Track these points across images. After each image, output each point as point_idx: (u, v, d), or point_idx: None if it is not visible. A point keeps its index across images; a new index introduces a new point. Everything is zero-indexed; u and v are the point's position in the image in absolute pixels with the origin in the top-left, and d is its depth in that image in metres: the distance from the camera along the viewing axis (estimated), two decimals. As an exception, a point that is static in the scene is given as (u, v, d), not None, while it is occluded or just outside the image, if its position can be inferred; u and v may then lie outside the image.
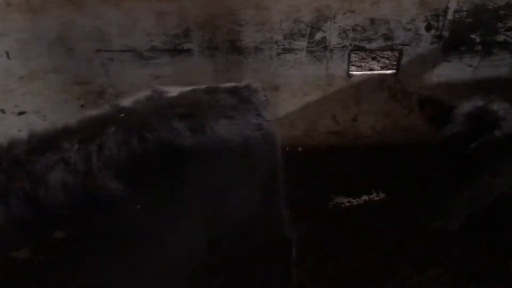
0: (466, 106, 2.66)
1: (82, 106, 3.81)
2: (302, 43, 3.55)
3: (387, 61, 5.26)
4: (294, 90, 3.82)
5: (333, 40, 3.55)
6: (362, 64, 5.24)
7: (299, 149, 4.18)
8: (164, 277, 2.40)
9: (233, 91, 2.57)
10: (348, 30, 3.51)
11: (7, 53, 3.42)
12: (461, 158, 2.51)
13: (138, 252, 2.20)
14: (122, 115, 2.29)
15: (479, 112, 2.59)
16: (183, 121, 2.27)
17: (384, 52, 5.28)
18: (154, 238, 2.21)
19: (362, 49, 3.71)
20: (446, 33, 3.52)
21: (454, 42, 3.60)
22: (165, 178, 2.19)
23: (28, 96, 3.68)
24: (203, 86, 2.57)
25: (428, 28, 3.51)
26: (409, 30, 3.51)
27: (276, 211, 2.79)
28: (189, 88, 2.52)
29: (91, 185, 2.00)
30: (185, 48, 3.56)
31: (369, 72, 3.98)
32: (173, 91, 2.50)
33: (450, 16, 3.45)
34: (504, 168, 2.53)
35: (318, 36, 3.52)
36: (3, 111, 3.70)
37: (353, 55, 4.71)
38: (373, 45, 3.61)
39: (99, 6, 3.30)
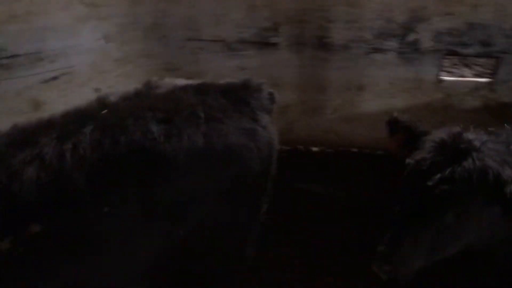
0: None
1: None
2: (393, 44, 3.45)
3: (480, 69, 4.97)
4: (379, 91, 3.72)
5: (426, 42, 3.41)
6: (453, 70, 5.00)
7: (378, 152, 4.08)
8: (121, 276, 2.22)
9: (227, 90, 2.31)
10: (443, 33, 3.36)
11: (106, 36, 3.62)
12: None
13: (98, 251, 2.07)
14: (105, 111, 2.17)
15: None
16: (161, 125, 2.09)
17: (479, 59, 5.00)
18: (116, 239, 2.08)
19: (456, 54, 3.54)
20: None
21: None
22: (135, 182, 2.04)
23: (121, 78, 3.87)
24: (195, 83, 2.36)
25: (534, 36, 3.28)
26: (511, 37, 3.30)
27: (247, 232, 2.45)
28: (183, 83, 2.34)
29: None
30: (273, 42, 3.58)
31: (462, 79, 3.80)
32: (164, 86, 2.32)
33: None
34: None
35: (411, 37, 3.40)
36: (98, 90, 3.93)
37: (444, 60, 4.51)
38: (469, 50, 3.43)
39: (195, -5, 3.41)
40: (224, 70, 3.70)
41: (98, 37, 3.58)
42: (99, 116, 2.07)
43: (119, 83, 3.90)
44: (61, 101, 3.59)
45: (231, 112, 2.21)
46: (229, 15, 3.50)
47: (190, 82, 2.35)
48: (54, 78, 3.54)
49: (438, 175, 1.90)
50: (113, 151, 1.99)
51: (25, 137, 2.02)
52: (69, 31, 3.45)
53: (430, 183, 1.90)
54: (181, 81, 2.37)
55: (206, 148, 2.09)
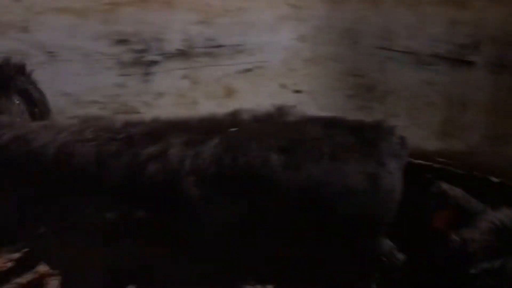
0: None
1: (349, 96, 4.03)
2: None
3: None
4: None
5: None
6: None
7: None
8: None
9: (357, 128, 2.12)
10: None
11: (301, 36, 3.83)
12: None
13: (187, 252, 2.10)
14: (234, 129, 2.13)
15: None
16: (281, 155, 2.00)
17: None
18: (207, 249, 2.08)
19: None
20: None
21: None
22: (245, 204, 1.99)
23: (307, 77, 4.06)
24: (325, 116, 2.20)
25: None
26: None
27: None
28: (313, 115, 2.20)
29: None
30: (469, 60, 3.39)
31: None
32: (294, 114, 2.19)
33: None
34: None
35: None
36: (283, 87, 4.19)
37: None
38: None
39: (394, 6, 3.40)
40: (410, 82, 3.63)
41: (294, 36, 3.80)
42: (228, 133, 2.10)
43: (304, 82, 4.10)
44: (250, 91, 3.92)
45: (357, 152, 2.07)
46: (425, 28, 3.41)
47: (320, 114, 2.27)
48: (248, 70, 3.87)
49: (486, 264, 1.57)
50: (230, 170, 2.01)
51: (159, 132, 2.11)
52: (270, 28, 3.74)
53: (473, 271, 1.58)
54: (312, 112, 2.28)
55: (322, 185, 2.01)
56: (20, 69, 2.64)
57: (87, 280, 2.25)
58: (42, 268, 3.10)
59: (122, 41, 3.52)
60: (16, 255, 3.13)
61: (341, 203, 2.02)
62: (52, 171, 2.06)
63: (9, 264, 3.10)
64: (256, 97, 3.94)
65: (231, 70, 3.81)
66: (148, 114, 3.66)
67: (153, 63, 3.60)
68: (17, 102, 2.59)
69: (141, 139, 2.08)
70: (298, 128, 2.13)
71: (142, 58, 3.56)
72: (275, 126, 2.15)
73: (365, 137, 2.09)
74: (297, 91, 4.16)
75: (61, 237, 2.12)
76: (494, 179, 3.64)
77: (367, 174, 2.03)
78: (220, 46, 3.71)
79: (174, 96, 3.72)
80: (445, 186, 1.97)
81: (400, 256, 2.26)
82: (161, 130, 2.13)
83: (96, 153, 2.04)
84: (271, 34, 3.75)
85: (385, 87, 3.82)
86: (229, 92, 3.88)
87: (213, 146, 2.04)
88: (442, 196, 1.94)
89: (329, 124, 2.15)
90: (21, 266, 3.06)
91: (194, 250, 2.10)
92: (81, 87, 3.52)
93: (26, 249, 2.95)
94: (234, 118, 2.20)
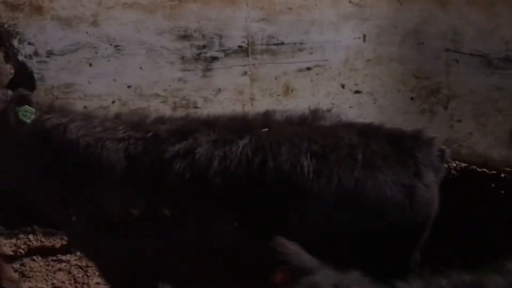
0: None
1: (412, 98, 3.90)
2: None
3: None
4: None
5: None
6: None
7: None
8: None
9: (394, 137, 2.02)
10: None
11: (364, 36, 3.75)
12: None
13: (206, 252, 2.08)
14: (265, 129, 2.08)
15: None
16: (313, 160, 1.93)
17: None
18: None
19: None
20: None
21: None
22: (271, 210, 1.94)
23: (368, 78, 3.97)
24: (362, 123, 2.13)
25: None
26: None
27: None
28: (349, 120, 2.13)
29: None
30: (544, 65, 3.19)
31: None
32: (329, 119, 2.12)
33: None
34: None
35: None
36: (343, 86, 4.12)
37: None
38: None
39: (464, 6, 3.26)
40: (478, 86, 3.47)
41: (357, 36, 3.73)
42: (258, 133, 2.07)
43: (365, 83, 4.01)
44: (309, 90, 3.89)
45: (393, 162, 1.97)
46: (498, 31, 3.24)
47: (356, 121, 2.20)
48: (308, 68, 3.84)
49: None
50: (259, 173, 1.97)
51: (187, 130, 2.11)
52: (332, 27, 3.69)
53: None
54: (348, 118, 2.23)
55: (355, 194, 1.93)
56: None
57: (113, 269, 2.33)
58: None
59: (185, 37, 3.60)
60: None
61: (374, 214, 1.94)
62: (82, 163, 2.13)
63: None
64: (314, 96, 3.91)
65: (290, 68, 3.79)
66: (206, 109, 3.74)
67: (214, 59, 3.65)
68: None
69: (169, 136, 2.09)
70: (332, 133, 2.07)
71: (204, 54, 3.62)
72: (309, 129, 2.09)
73: (403, 147, 2.00)
74: (357, 92, 4.08)
75: (89, 227, 2.17)
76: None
77: (403, 185, 1.94)
78: (281, 43, 3.70)
79: (232, 92, 3.76)
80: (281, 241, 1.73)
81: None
82: (190, 128, 2.13)
83: (125, 151, 2.09)
84: (333, 33, 3.70)
85: (450, 90, 3.67)
86: (288, 90, 3.87)
87: (242, 146, 2.01)
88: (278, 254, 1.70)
89: (365, 131, 2.07)
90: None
91: (212, 251, 2.07)
92: (144, 80, 3.63)
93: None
94: (266, 118, 2.18)
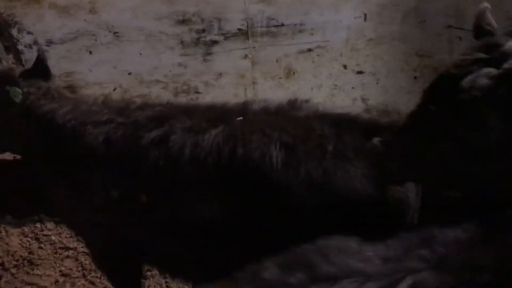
0: None
1: (415, 78, 3.86)
2: None
3: None
4: None
5: None
6: None
7: None
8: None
9: (370, 129, 1.91)
10: None
11: (365, 15, 3.70)
12: None
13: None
14: (239, 118, 2.06)
15: None
16: (282, 151, 1.90)
17: None
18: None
19: None
20: None
21: None
22: (236, 198, 1.94)
23: (371, 58, 3.93)
24: (338, 113, 2.05)
25: None
26: None
27: None
28: (326, 111, 2.07)
29: None
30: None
31: None
32: (305, 109, 2.07)
33: None
34: None
35: None
36: (345, 67, 4.09)
37: None
38: None
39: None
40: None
41: (358, 15, 3.68)
42: (232, 122, 2.07)
43: (367, 63, 3.98)
44: (310, 72, 3.86)
45: (365, 153, 1.88)
46: (502, 5, 3.17)
47: (334, 111, 2.12)
48: (309, 50, 3.81)
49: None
50: (228, 161, 1.96)
51: (164, 117, 2.13)
52: (332, 7, 3.64)
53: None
54: (326, 109, 2.15)
55: (324, 186, 1.86)
56: None
57: (98, 249, 2.44)
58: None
59: (184, 21, 3.57)
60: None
61: (343, 207, 1.85)
62: (68, 145, 2.23)
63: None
64: (316, 78, 3.88)
65: (291, 50, 3.76)
66: (208, 94, 3.72)
67: (214, 43, 3.62)
68: None
69: (147, 123, 2.12)
70: (305, 124, 2.02)
71: (203, 38, 3.60)
72: (282, 119, 2.06)
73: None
74: (359, 72, 4.05)
75: (75, 208, 2.28)
76: None
77: (374, 179, 1.84)
78: (281, 25, 3.67)
79: (233, 76, 3.74)
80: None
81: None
82: (168, 115, 2.14)
83: (105, 135, 2.14)
84: (333, 13, 3.66)
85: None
86: (289, 73, 3.85)
87: (214, 135, 2.00)
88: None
89: (340, 122, 2.01)
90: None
91: (186, 236, 2.08)
92: (144, 66, 3.62)
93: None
94: (243, 108, 2.17)
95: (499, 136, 1.42)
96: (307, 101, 2.16)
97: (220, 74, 3.73)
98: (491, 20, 1.73)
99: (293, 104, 2.14)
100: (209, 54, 3.65)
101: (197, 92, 3.75)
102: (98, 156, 2.14)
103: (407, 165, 1.60)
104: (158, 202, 2.07)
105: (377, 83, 4.00)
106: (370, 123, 2.02)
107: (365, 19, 3.71)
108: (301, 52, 3.78)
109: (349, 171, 1.87)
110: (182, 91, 3.69)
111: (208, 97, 3.68)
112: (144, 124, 2.12)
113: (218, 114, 2.13)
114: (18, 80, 2.39)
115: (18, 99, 2.34)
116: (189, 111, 2.17)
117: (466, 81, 1.44)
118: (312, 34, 3.72)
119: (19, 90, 2.35)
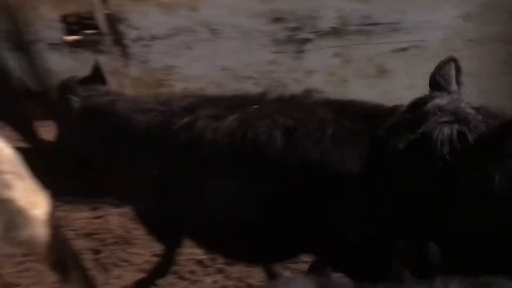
0: None
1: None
2: None
3: None
4: None
5: None
6: None
7: None
8: None
9: (370, 115, 2.04)
10: None
11: (465, 15, 3.55)
12: None
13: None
14: (256, 106, 2.27)
15: None
16: (284, 135, 2.10)
17: None
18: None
19: None
20: None
21: None
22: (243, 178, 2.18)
23: (468, 59, 3.74)
24: (343, 100, 2.21)
25: None
26: None
27: None
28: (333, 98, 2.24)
29: None
30: None
31: None
32: (314, 96, 2.27)
33: None
34: None
35: None
36: (441, 68, 3.94)
37: None
38: None
39: None
40: None
41: (457, 14, 3.54)
42: (248, 109, 2.29)
43: (466, 64, 3.77)
44: (404, 71, 3.77)
45: (363, 138, 1.98)
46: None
47: (340, 99, 2.26)
48: (404, 49, 3.72)
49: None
50: (239, 144, 2.19)
51: (194, 107, 2.41)
52: (430, 6, 3.53)
53: None
54: (333, 98, 2.30)
55: (320, 166, 2.04)
56: None
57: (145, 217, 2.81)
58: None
59: (278, 19, 3.65)
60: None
61: (339, 189, 1.95)
62: (122, 130, 2.57)
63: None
64: (409, 78, 3.78)
65: (385, 49, 3.70)
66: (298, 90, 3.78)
67: (306, 40, 3.67)
68: None
69: (180, 111, 2.42)
70: (309, 109, 2.20)
71: (296, 36, 3.65)
72: (292, 106, 2.26)
73: (375, 124, 1.94)
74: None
75: (129, 184, 2.62)
76: None
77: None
78: (375, 24, 3.62)
79: (324, 74, 3.76)
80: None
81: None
82: (197, 105, 2.42)
83: (147, 121, 2.48)
84: (431, 12, 3.54)
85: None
86: (382, 72, 3.79)
87: (230, 121, 2.25)
88: None
89: (343, 108, 2.18)
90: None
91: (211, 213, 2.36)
92: (238, 63, 3.76)
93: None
94: (261, 97, 2.39)
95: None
96: (322, 92, 2.39)
97: (311, 72, 3.77)
98: (449, 73, 1.85)
99: (305, 93, 2.35)
100: (301, 51, 3.71)
101: (286, 88, 3.82)
102: (141, 138, 2.49)
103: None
104: (186, 179, 2.39)
105: (475, 86, 3.81)
106: (373, 108, 2.15)
107: (465, 19, 3.56)
108: (395, 51, 3.71)
109: (344, 153, 2.03)
110: (272, 87, 3.78)
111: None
112: (178, 112, 2.43)
113: (237, 103, 2.37)
114: (76, 87, 2.76)
115: (76, 105, 2.69)
116: (215, 101, 2.46)
117: (389, 144, 1.59)
118: (407, 34, 3.63)
119: (76, 98, 2.70)
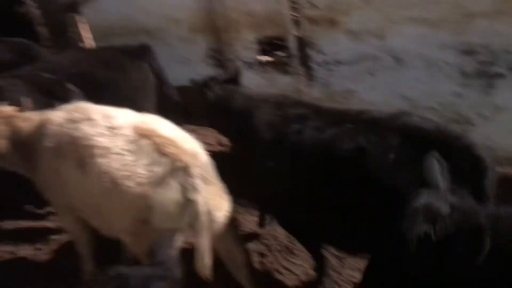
0: None
1: None
2: None
3: None
4: None
5: None
6: None
7: None
8: None
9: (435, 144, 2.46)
10: None
11: None
12: None
13: None
14: (348, 125, 2.75)
15: None
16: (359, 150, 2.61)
17: None
18: None
19: None
20: None
21: None
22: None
23: None
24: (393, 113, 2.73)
25: None
26: None
27: None
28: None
29: None
30: None
31: None
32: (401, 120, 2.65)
33: None
34: None
35: None
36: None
37: None
38: None
39: None
40: None
41: None
42: (343, 127, 2.75)
43: None
44: None
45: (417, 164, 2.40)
46: None
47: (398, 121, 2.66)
48: None
49: None
50: (326, 147, 2.74)
51: (304, 117, 2.89)
52: None
53: None
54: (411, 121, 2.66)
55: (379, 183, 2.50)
56: None
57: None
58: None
59: (468, 52, 3.52)
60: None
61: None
62: (246, 124, 3.07)
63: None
64: None
65: None
66: (482, 128, 3.57)
67: (498, 75, 3.47)
68: None
69: (293, 117, 2.94)
70: (379, 130, 2.64)
71: (487, 70, 3.48)
72: (376, 126, 2.68)
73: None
74: None
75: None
76: None
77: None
78: None
79: (515, 112, 3.51)
80: None
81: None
82: (307, 115, 2.90)
83: (265, 121, 3.00)
84: None
85: None
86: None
87: (328, 135, 2.74)
88: None
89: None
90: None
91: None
92: (420, 93, 3.71)
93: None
94: (356, 114, 2.83)
95: None
96: (411, 114, 2.72)
97: (499, 108, 3.55)
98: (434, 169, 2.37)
99: (399, 115, 2.71)
100: (490, 86, 3.52)
101: (470, 123, 3.65)
102: (259, 133, 2.99)
103: None
104: (293, 175, 2.84)
105: None
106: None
107: None
108: None
109: (399, 175, 2.47)
110: (454, 121, 3.65)
111: (482, 130, 3.54)
112: (291, 118, 2.94)
113: (339, 118, 2.85)
114: (213, 85, 3.33)
115: (210, 99, 3.32)
116: (321, 113, 2.92)
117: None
118: None
119: (211, 93, 3.33)
